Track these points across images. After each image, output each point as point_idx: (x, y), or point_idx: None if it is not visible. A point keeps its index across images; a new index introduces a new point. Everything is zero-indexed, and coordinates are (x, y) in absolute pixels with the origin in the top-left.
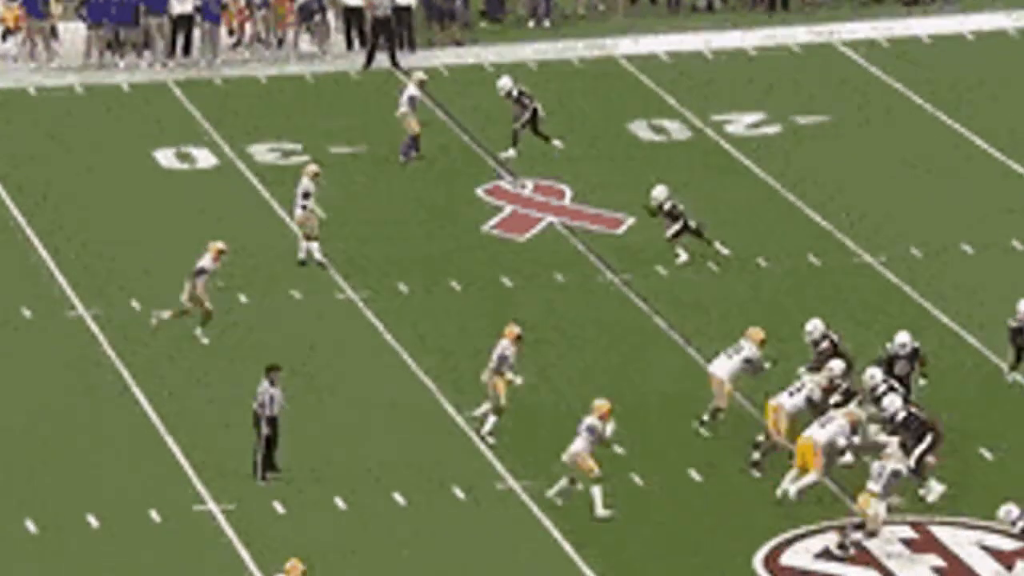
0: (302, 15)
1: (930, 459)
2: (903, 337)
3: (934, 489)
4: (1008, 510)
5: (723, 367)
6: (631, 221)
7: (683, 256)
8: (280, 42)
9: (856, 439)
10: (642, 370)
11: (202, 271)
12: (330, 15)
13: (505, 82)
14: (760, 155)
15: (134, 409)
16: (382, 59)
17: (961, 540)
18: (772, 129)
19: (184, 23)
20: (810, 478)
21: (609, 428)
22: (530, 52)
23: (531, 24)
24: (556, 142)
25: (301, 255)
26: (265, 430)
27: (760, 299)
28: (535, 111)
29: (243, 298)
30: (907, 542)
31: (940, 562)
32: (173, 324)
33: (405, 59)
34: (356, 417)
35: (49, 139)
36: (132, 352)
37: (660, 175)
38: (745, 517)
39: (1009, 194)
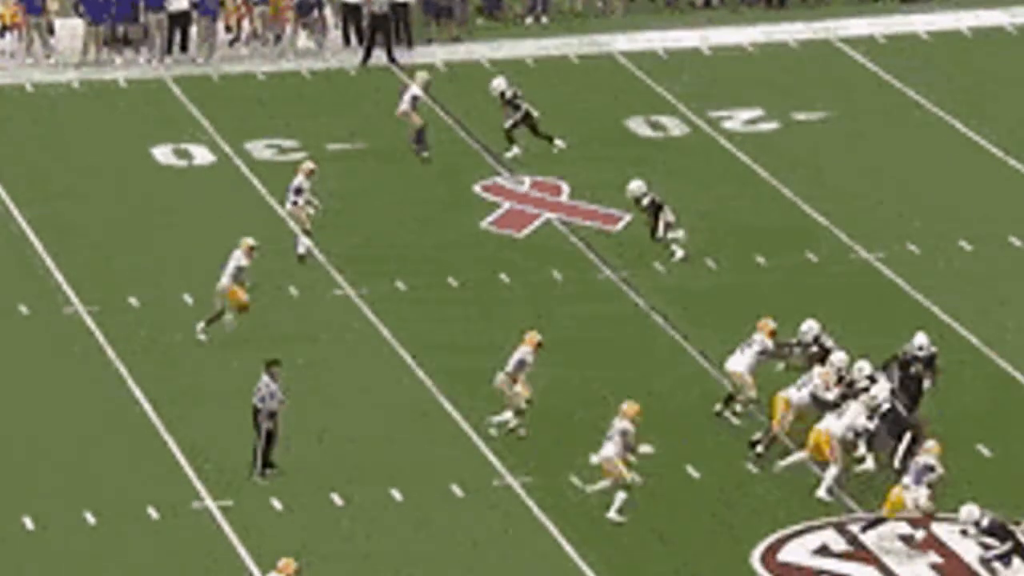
0: (299, 11)
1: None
2: (921, 339)
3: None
4: (970, 511)
5: (739, 362)
6: (628, 218)
7: (680, 253)
8: (277, 39)
9: (873, 424)
10: (639, 367)
11: (240, 270)
12: (328, 11)
13: (499, 83)
14: (758, 151)
15: (131, 406)
16: (379, 56)
17: (959, 537)
18: (770, 125)
19: (181, 19)
20: (832, 472)
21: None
22: (528, 49)
23: (529, 21)
24: (559, 142)
25: (300, 250)
26: (267, 424)
27: (758, 295)
28: (527, 112)
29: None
30: (905, 539)
31: (938, 559)
32: (172, 322)
33: (402, 56)
34: (353, 413)
35: (46, 135)
36: (129, 349)
37: (658, 172)
38: (742, 514)
39: (1007, 190)
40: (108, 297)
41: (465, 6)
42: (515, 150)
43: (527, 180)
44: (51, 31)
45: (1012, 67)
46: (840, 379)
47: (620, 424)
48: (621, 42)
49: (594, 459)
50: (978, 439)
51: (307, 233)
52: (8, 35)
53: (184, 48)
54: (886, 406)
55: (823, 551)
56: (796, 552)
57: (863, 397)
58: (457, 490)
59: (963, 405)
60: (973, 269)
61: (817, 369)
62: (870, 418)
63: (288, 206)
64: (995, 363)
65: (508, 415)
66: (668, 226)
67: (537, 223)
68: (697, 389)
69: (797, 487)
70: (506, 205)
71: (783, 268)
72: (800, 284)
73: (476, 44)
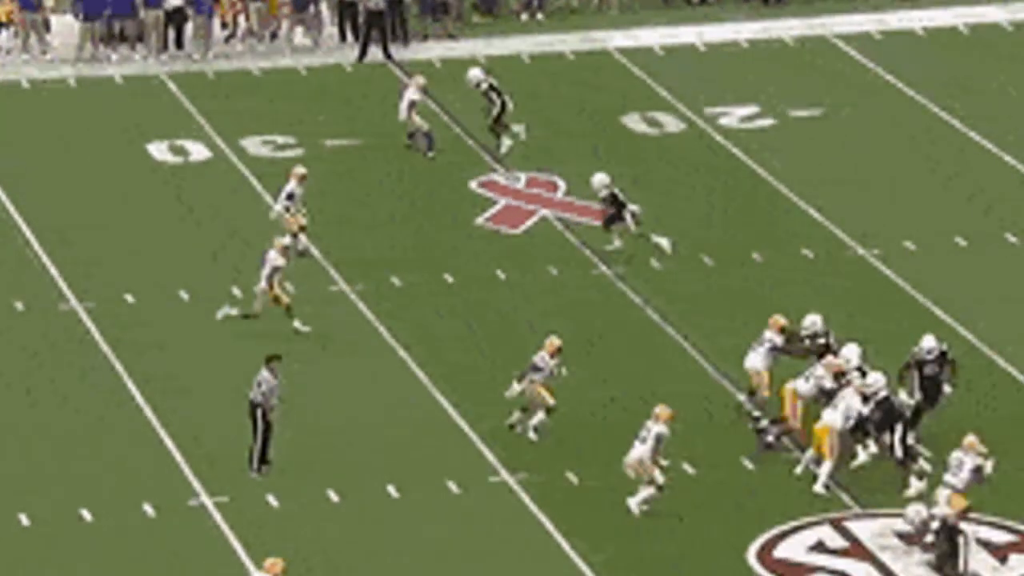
0: (295, 8)
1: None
2: (929, 342)
3: (913, 485)
4: (917, 510)
5: (755, 360)
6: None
7: (617, 243)
8: (273, 35)
9: (867, 409)
10: (635, 363)
11: (276, 270)
12: (323, 8)
13: (475, 73)
14: (754, 148)
15: (127, 402)
16: (375, 52)
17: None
18: (766, 122)
19: (177, 16)
20: (827, 467)
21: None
22: (523, 45)
23: (524, 17)
24: (517, 128)
25: (299, 247)
26: (267, 419)
27: (754, 292)
28: (503, 105)
29: (236, 291)
30: (901, 535)
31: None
32: (168, 319)
33: (398, 52)
34: (349, 409)
35: (42, 132)
36: (125, 345)
37: (653, 168)
38: (738, 510)
39: (1003, 187)
40: (104, 293)
41: (461, 2)
42: (506, 142)
43: (523, 177)
44: (48, 27)
45: (1009, 64)
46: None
47: (655, 428)
48: (617, 38)
49: (626, 462)
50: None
51: (302, 229)
52: (4, 32)
53: (180, 44)
54: (882, 393)
55: (819, 547)
56: (792, 548)
57: (857, 382)
58: (453, 486)
59: (959, 403)
60: (969, 266)
61: (824, 360)
62: (865, 401)
63: (278, 208)
64: (992, 360)
65: (541, 416)
66: (634, 217)
67: (533, 220)
68: (693, 385)
69: (793, 484)
70: (502, 202)
71: (779, 265)
72: (796, 281)
73: (472, 41)
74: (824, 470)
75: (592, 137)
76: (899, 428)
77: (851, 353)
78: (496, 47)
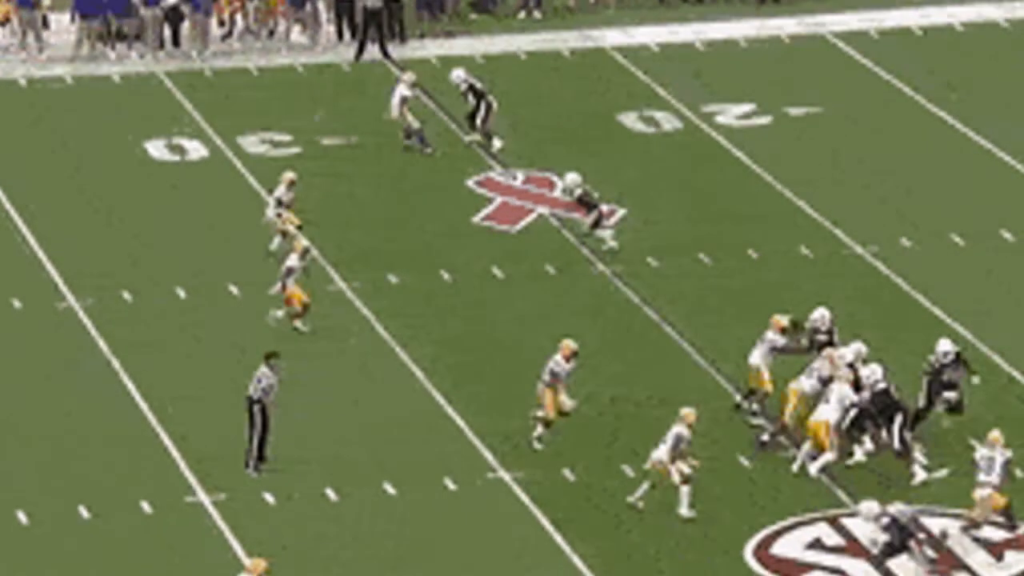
0: (293, 6)
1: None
2: (945, 345)
3: (919, 474)
4: (870, 507)
5: (756, 357)
6: (621, 212)
7: (612, 243)
8: (271, 33)
9: (859, 397)
10: (632, 361)
11: (291, 271)
12: (321, 6)
13: (458, 74)
14: (751, 146)
15: (124, 400)
16: (373, 50)
17: (951, 531)
18: (763, 120)
19: (174, 14)
20: (826, 457)
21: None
22: (520, 43)
23: (522, 15)
24: (497, 142)
25: (272, 247)
26: (264, 416)
27: (751, 290)
28: (480, 106)
29: (233, 288)
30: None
31: (931, 553)
32: (165, 316)
33: (396, 50)
34: (346, 407)
35: (39, 130)
36: (122, 343)
37: (650, 166)
38: (736, 507)
39: (999, 185)
40: (101, 291)
41: (458, 1)
42: (496, 143)
43: (520, 175)
44: (46, 25)
45: (1005, 62)
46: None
47: (676, 429)
48: (613, 37)
49: (647, 464)
50: (971, 432)
51: (299, 227)
52: (1, 30)
53: (177, 43)
54: (881, 385)
55: (816, 545)
56: (790, 546)
57: (843, 371)
58: (450, 484)
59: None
60: (966, 263)
61: (823, 352)
62: (858, 391)
63: (270, 213)
64: (988, 357)
65: (540, 429)
66: (601, 217)
67: (530, 218)
68: (690, 382)
69: (791, 481)
70: (499, 200)
71: (776, 262)
72: (793, 279)
73: (469, 39)
74: (822, 460)
75: (588, 135)
76: (898, 419)
77: (847, 350)
78: (493, 45)
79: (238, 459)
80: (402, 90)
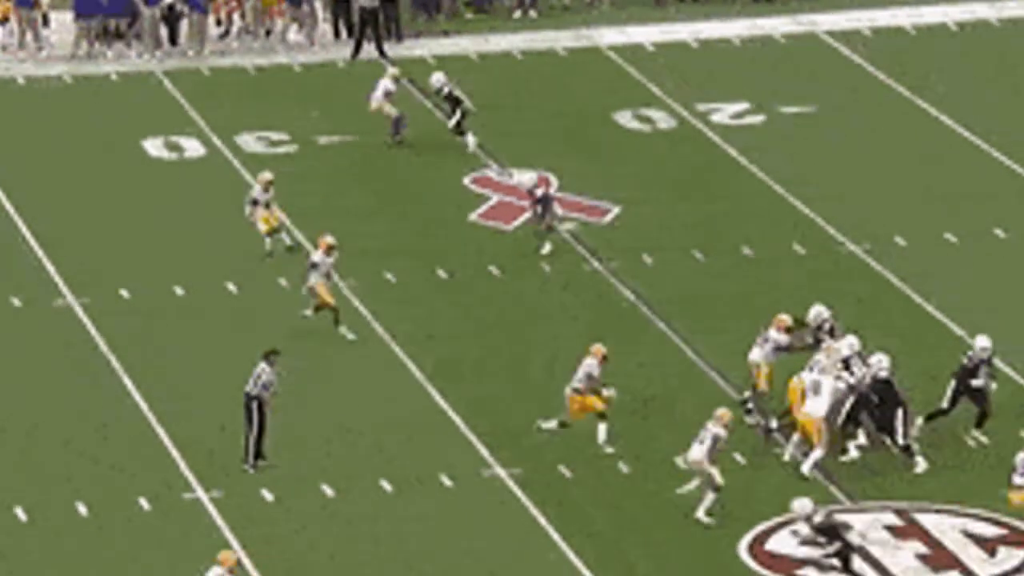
0: (290, 5)
1: None
2: (983, 341)
3: (920, 464)
4: (803, 504)
5: (756, 354)
6: (616, 210)
7: (548, 247)
8: (268, 32)
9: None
10: (628, 359)
11: (314, 265)
12: (317, 5)
13: (438, 78)
14: (745, 145)
15: (122, 398)
16: (369, 49)
17: (945, 527)
18: (757, 119)
19: (172, 13)
20: (816, 454)
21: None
22: (516, 42)
23: (517, 14)
24: (469, 138)
25: (288, 241)
26: (262, 413)
27: (745, 288)
28: (465, 112)
29: (231, 287)
30: (891, 529)
31: (924, 549)
32: (163, 314)
33: (392, 49)
34: (343, 404)
35: (38, 129)
36: (121, 341)
37: (645, 165)
38: (731, 504)
39: (992, 183)
40: (99, 289)
41: (454, 0)
42: (470, 139)
43: (516, 173)
44: (46, 23)
45: (997, 60)
46: (846, 363)
47: (713, 429)
48: (609, 35)
49: (680, 462)
50: (964, 428)
51: (275, 231)
52: (0, 28)
53: (174, 42)
54: (883, 374)
55: (811, 541)
56: (784, 542)
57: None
58: (447, 480)
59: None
60: (959, 261)
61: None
62: (851, 373)
63: (246, 212)
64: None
65: (555, 422)
66: (553, 220)
67: (526, 216)
68: (685, 380)
69: (785, 477)
70: (495, 198)
71: (770, 260)
72: (787, 276)
73: (464, 38)
74: (812, 457)
75: (583, 134)
76: (899, 414)
77: (843, 344)
78: (488, 44)
79: (236, 456)
80: (386, 84)
